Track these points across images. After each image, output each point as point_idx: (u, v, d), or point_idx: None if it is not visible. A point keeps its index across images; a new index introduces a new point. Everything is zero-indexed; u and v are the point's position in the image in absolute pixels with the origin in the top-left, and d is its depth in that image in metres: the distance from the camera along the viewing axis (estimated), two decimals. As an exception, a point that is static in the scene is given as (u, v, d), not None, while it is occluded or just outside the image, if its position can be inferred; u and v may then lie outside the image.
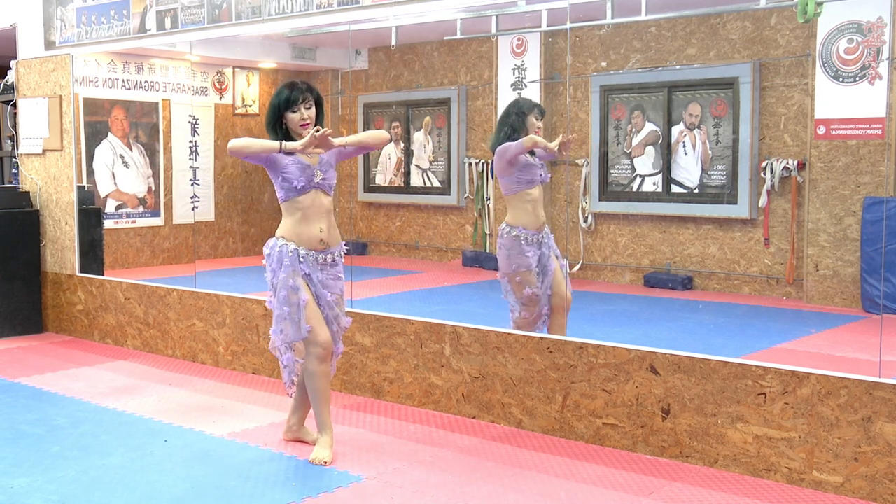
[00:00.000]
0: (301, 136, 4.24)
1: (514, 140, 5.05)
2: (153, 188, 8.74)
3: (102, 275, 7.27)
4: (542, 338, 4.68)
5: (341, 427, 4.79)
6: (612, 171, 7.88)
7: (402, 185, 9.47)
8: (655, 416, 4.32)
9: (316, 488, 3.89)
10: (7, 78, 8.02)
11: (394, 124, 9.51)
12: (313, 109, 4.29)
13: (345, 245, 4.44)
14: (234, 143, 4.23)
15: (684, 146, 7.45)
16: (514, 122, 5.11)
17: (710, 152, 7.29)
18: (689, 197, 7.44)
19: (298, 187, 4.23)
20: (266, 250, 4.35)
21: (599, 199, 7.94)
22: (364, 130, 9.76)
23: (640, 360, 4.37)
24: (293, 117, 4.25)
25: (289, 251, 4.24)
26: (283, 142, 4.23)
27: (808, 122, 6.59)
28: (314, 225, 4.26)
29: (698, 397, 4.20)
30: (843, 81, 6.31)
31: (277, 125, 4.30)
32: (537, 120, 5.14)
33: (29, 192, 7.49)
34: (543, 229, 5.15)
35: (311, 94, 4.28)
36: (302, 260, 4.24)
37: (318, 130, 4.14)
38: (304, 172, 4.23)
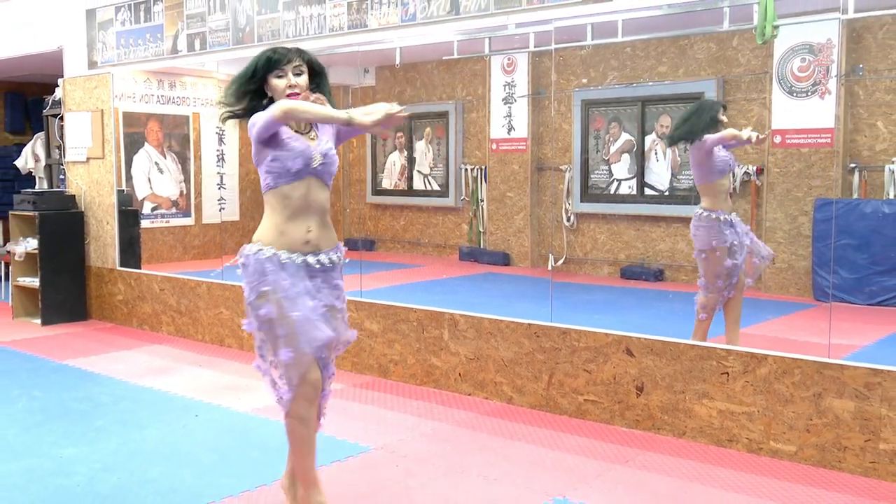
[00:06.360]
0: None
1: (706, 134, 4.91)
2: (185, 192, 8.72)
3: (140, 269, 7.27)
4: (529, 324, 4.69)
5: (352, 403, 4.79)
6: (592, 176, 7.87)
7: (406, 188, 9.47)
8: (630, 393, 4.33)
9: (329, 458, 3.88)
10: (55, 94, 8.01)
11: (398, 135, 9.51)
12: (305, 77, 2.99)
13: (343, 246, 3.13)
14: (286, 105, 2.84)
15: (656, 154, 7.44)
16: (706, 119, 4.94)
17: (678, 159, 7.28)
18: (660, 199, 7.44)
19: (293, 171, 2.93)
20: (240, 259, 3.02)
21: (581, 201, 7.94)
22: (371, 141, 9.75)
23: (617, 344, 4.38)
24: (278, 84, 2.95)
25: (265, 256, 2.93)
26: (351, 112, 2.82)
27: (766, 132, 6.58)
28: (301, 223, 2.97)
29: (669, 376, 4.20)
30: (796, 96, 6.30)
31: (251, 94, 3.00)
32: (723, 116, 4.99)
33: (75, 196, 7.49)
34: (731, 213, 4.98)
35: (301, 58, 3.00)
36: (283, 267, 2.93)
37: (395, 111, 2.79)
38: (302, 153, 2.95)
